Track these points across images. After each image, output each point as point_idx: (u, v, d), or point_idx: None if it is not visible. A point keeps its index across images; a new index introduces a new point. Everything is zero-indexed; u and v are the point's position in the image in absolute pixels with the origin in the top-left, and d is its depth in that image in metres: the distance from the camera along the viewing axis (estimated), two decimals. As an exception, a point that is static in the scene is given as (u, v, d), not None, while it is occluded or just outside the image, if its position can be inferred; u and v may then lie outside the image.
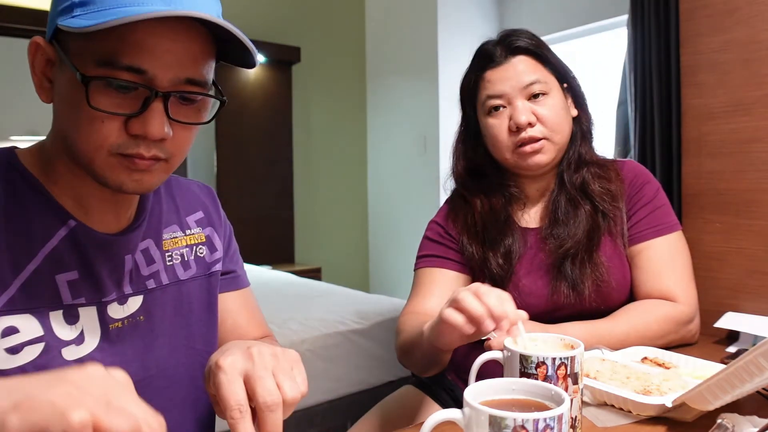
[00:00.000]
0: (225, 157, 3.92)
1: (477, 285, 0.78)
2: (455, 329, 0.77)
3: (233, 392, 0.55)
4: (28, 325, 0.66)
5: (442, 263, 1.17)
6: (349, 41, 4.48)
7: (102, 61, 0.62)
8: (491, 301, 0.75)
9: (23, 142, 3.58)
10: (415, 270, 1.21)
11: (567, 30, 3.41)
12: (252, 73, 4.00)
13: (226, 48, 0.69)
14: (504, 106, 1.11)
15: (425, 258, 1.20)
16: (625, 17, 2.79)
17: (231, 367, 0.57)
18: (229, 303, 0.91)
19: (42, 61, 0.67)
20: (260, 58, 3.86)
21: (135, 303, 0.76)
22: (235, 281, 0.93)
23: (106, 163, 0.65)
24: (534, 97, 1.10)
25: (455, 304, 0.77)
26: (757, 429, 0.69)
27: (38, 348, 0.66)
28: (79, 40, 0.62)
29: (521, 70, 1.11)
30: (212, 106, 0.71)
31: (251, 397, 0.56)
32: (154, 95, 0.63)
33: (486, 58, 1.14)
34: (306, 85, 4.30)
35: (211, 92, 0.70)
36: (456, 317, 0.76)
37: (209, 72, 0.68)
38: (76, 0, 0.62)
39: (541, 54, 1.13)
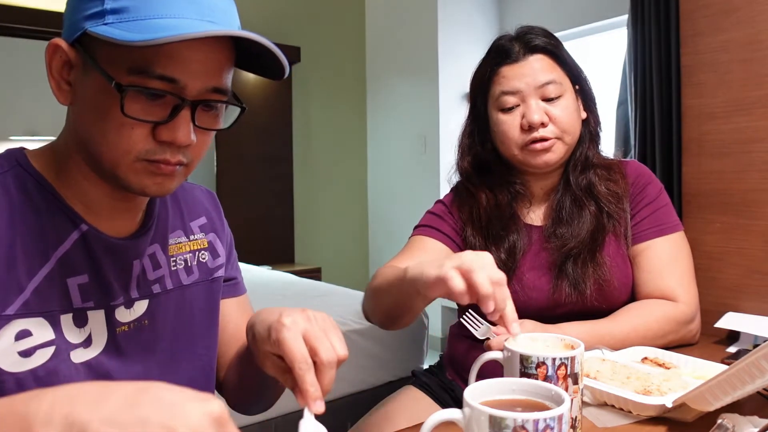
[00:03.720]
0: (225, 157, 3.92)
1: (489, 263, 0.73)
2: (448, 292, 0.72)
3: (299, 347, 0.61)
4: (40, 329, 0.66)
5: (436, 234, 1.18)
6: (349, 41, 4.48)
7: (135, 70, 0.62)
8: (500, 295, 0.71)
9: (23, 142, 3.59)
10: (409, 238, 1.21)
11: (567, 30, 3.41)
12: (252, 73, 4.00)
13: (246, 56, 0.69)
14: (517, 105, 1.11)
15: (421, 227, 1.21)
16: (625, 17, 2.79)
17: (294, 324, 0.62)
18: (230, 308, 0.92)
19: (59, 63, 0.66)
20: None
21: (141, 307, 0.76)
22: (235, 288, 0.94)
23: (131, 168, 0.65)
24: (548, 100, 1.10)
25: (467, 273, 0.71)
26: (758, 429, 0.69)
27: (49, 351, 0.66)
28: (110, 46, 0.61)
29: (538, 68, 1.10)
30: (230, 111, 0.72)
31: (312, 353, 0.62)
32: (184, 104, 0.64)
33: (502, 54, 1.13)
34: (306, 85, 4.30)
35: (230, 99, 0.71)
36: (459, 285, 0.71)
37: (230, 79, 0.69)
38: (108, 7, 0.61)
39: (558, 54, 1.13)
